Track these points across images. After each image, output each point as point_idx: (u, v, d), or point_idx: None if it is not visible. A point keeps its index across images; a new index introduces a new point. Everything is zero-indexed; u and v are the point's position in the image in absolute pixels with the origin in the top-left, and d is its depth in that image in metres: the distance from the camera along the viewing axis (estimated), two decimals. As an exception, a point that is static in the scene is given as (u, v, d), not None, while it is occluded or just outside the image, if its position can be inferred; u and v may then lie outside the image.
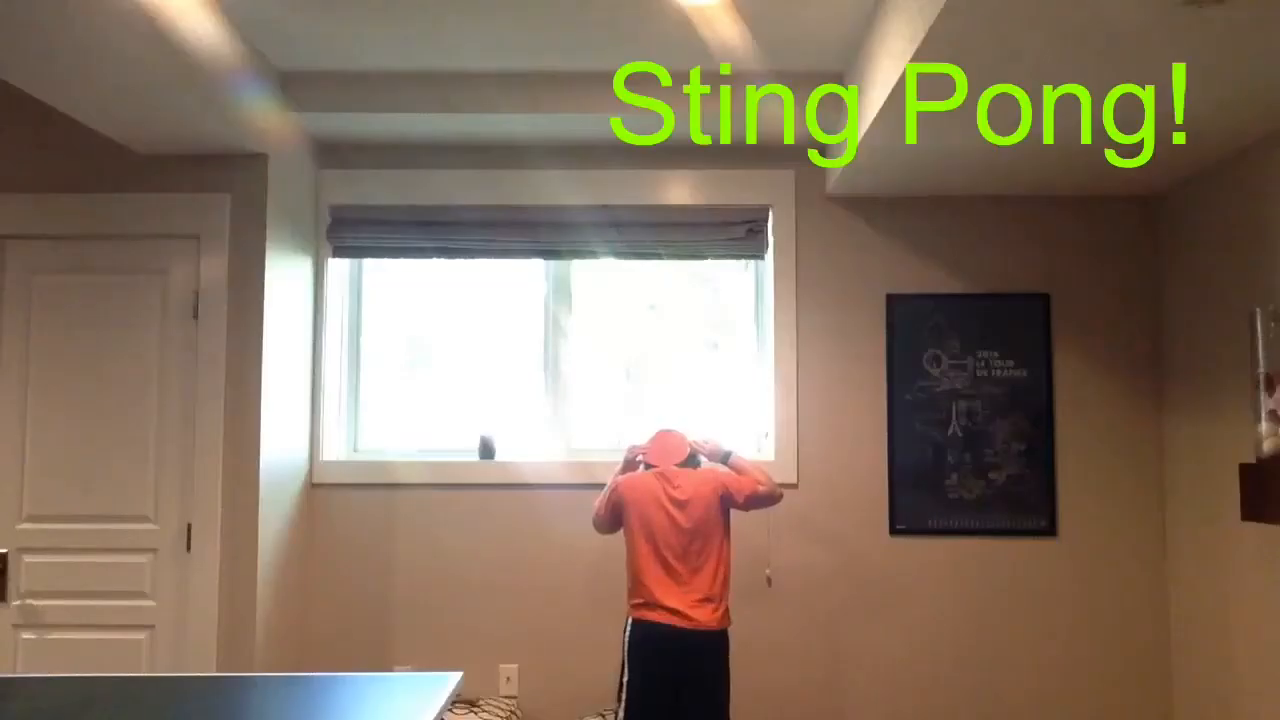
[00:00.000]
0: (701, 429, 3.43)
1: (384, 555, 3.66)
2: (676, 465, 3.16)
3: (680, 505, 3.05)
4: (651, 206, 3.72)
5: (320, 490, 3.68)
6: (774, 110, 3.35)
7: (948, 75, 2.51)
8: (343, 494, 3.68)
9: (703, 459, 3.26)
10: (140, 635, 3.22)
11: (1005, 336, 3.68)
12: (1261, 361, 2.78)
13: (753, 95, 3.31)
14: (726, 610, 3.05)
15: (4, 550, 3.23)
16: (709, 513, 3.06)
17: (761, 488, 3.10)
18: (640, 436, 3.32)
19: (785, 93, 3.31)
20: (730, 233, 3.72)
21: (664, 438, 3.23)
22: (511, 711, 3.48)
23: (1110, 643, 3.61)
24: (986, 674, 3.61)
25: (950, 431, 3.65)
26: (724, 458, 3.22)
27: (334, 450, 3.74)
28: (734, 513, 3.13)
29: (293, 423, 3.51)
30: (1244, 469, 2.82)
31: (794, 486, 3.62)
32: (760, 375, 3.80)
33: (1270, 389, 2.74)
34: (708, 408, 3.81)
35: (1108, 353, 3.69)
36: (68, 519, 3.24)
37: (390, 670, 3.57)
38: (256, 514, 3.22)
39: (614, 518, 3.14)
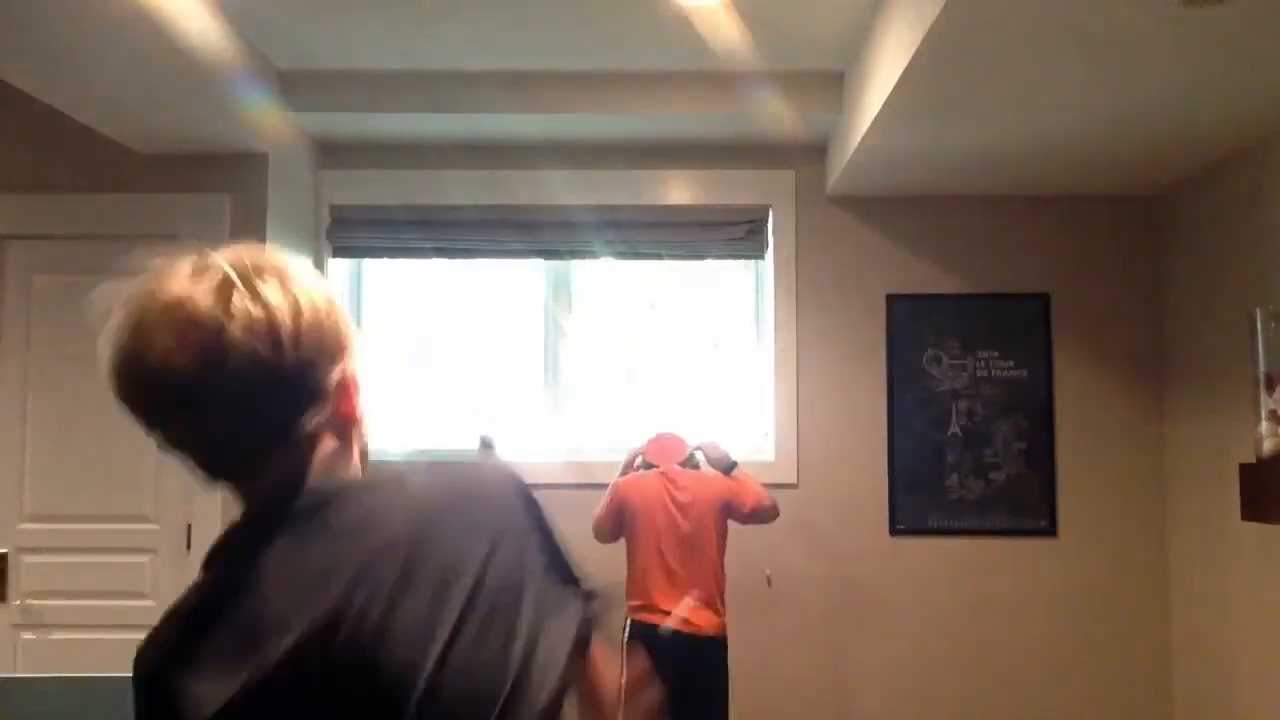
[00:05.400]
0: (704, 435, 3.39)
1: (384, 555, 3.65)
2: (676, 465, 3.15)
3: (682, 506, 3.04)
4: (651, 206, 3.71)
5: (320, 490, 3.67)
6: (774, 110, 3.35)
7: (947, 75, 2.51)
8: (343, 494, 3.67)
9: (701, 460, 3.25)
10: (140, 635, 3.20)
11: (1005, 336, 3.67)
12: (1261, 361, 2.77)
13: (752, 95, 3.30)
14: (724, 622, 3.04)
15: (4, 550, 3.23)
16: (707, 518, 3.04)
17: (765, 501, 3.09)
18: (639, 438, 3.31)
19: (785, 93, 3.31)
20: (730, 233, 3.71)
21: (663, 439, 3.22)
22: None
23: (1110, 643, 3.60)
24: (986, 674, 3.61)
25: (950, 431, 3.65)
26: (729, 467, 3.19)
27: (334, 450, 3.73)
28: (731, 523, 3.12)
29: (293, 423, 3.50)
30: (1244, 469, 2.81)
31: (794, 486, 3.61)
32: (760, 375, 3.79)
33: (1270, 389, 2.73)
34: (708, 407, 3.80)
35: (1108, 353, 3.68)
36: (68, 519, 3.24)
37: (390, 670, 3.57)
38: (256, 514, 3.22)
39: (616, 522, 3.11)
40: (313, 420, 0.89)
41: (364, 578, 0.85)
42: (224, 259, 0.88)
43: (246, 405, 0.86)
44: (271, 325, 0.85)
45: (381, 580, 0.85)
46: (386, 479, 0.94)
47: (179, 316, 0.85)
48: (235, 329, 0.84)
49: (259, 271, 0.88)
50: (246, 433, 0.88)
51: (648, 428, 3.33)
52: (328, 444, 0.92)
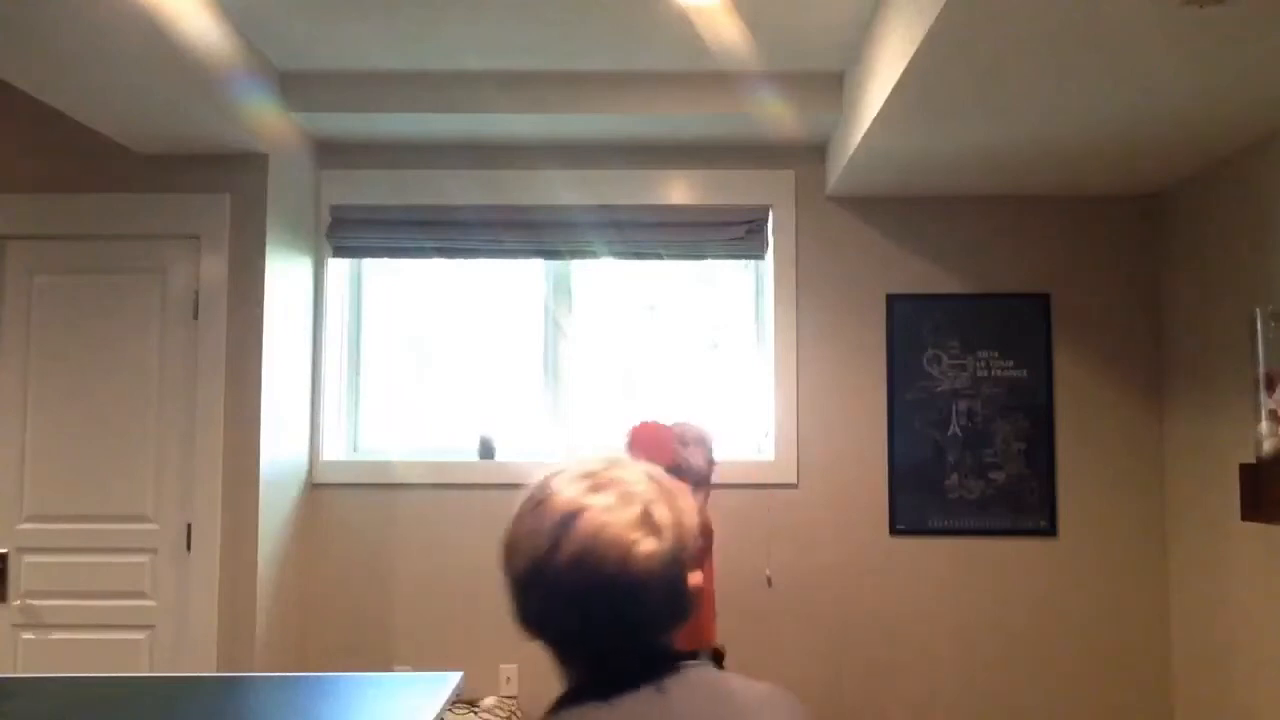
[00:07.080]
0: (681, 417, 2.97)
1: (384, 555, 3.66)
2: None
3: None
4: (651, 206, 3.72)
5: (320, 490, 3.68)
6: (774, 110, 3.35)
7: (947, 75, 2.51)
8: (343, 494, 3.68)
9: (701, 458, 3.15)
10: (140, 635, 3.22)
11: (1005, 336, 3.68)
12: (1261, 361, 2.78)
13: (752, 96, 3.30)
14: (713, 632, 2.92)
15: (4, 550, 3.24)
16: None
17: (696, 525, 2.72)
18: (619, 440, 2.87)
19: (785, 93, 3.31)
20: (730, 233, 3.71)
21: (646, 432, 2.85)
22: (511, 712, 3.48)
23: (1110, 643, 3.61)
24: (986, 674, 3.61)
25: (950, 431, 3.65)
26: (700, 480, 2.79)
27: (334, 450, 3.74)
28: (734, 518, 3.08)
29: (293, 423, 3.51)
30: (1244, 469, 2.81)
31: (794, 486, 3.62)
32: (760, 375, 3.79)
33: (1270, 389, 2.74)
34: (708, 408, 3.80)
35: (1108, 353, 3.69)
36: (68, 519, 3.24)
37: (390, 670, 3.57)
38: (256, 514, 3.22)
39: None
40: (676, 611, 1.13)
41: None
42: (629, 487, 1.12)
43: (637, 604, 1.09)
44: (669, 544, 1.10)
45: None
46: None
47: (604, 537, 1.08)
48: (640, 550, 1.08)
49: (655, 501, 1.13)
50: (635, 624, 1.10)
51: (624, 425, 2.94)
52: (682, 627, 1.16)
